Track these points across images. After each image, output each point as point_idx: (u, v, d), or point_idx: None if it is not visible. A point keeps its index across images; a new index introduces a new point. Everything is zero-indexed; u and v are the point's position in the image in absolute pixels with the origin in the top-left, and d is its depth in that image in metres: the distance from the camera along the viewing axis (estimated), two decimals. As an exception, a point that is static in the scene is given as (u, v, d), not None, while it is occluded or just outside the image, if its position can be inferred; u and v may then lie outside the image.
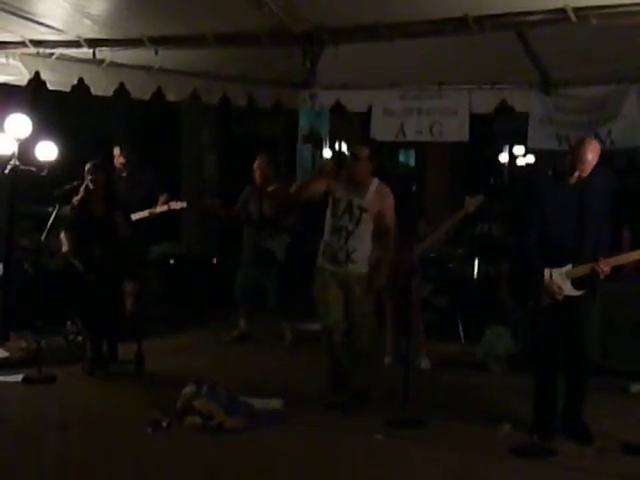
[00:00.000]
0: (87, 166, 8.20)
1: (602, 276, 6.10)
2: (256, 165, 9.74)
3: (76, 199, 8.23)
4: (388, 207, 7.14)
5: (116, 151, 9.99)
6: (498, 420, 6.68)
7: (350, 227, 7.05)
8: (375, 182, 7.16)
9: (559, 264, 6.17)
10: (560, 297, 6.16)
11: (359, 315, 7.08)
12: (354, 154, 7.14)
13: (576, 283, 6.19)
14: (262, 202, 9.66)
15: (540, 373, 6.43)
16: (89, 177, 8.16)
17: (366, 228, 7.07)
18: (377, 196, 7.10)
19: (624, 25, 6.98)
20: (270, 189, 9.64)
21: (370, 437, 6.37)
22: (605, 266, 6.05)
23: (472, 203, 8.32)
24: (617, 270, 6.38)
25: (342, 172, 7.21)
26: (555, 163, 6.28)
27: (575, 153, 6.16)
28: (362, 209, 7.03)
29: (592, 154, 6.11)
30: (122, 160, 9.95)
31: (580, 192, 6.17)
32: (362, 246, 7.07)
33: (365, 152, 7.09)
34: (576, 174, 6.13)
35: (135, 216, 9.12)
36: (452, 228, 8.74)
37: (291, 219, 9.64)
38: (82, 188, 8.20)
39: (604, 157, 6.45)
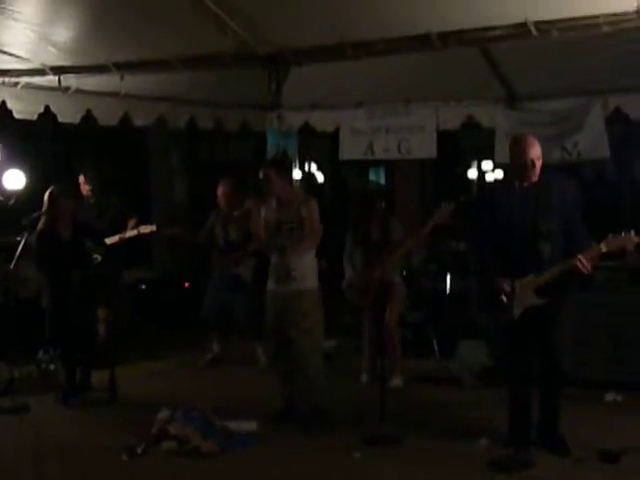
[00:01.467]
0: (49, 192, 8.15)
1: (585, 271, 6.02)
2: (220, 191, 9.75)
3: (41, 226, 8.16)
4: (310, 213, 7.21)
5: (81, 179, 9.94)
6: (474, 434, 6.68)
7: (284, 243, 7.16)
8: (299, 198, 7.38)
9: (521, 274, 6.12)
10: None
11: (301, 332, 7.09)
12: (264, 177, 7.29)
13: (540, 292, 6.16)
14: (227, 227, 9.68)
15: (512, 386, 6.45)
16: (56, 203, 8.11)
17: (302, 245, 7.15)
18: (301, 208, 7.21)
19: (586, 38, 7.05)
20: (235, 214, 9.65)
21: (347, 456, 6.36)
22: (585, 260, 5.98)
23: (442, 212, 8.28)
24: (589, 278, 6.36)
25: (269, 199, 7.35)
26: (506, 170, 6.29)
27: (512, 155, 6.21)
28: (291, 226, 7.16)
29: (526, 149, 6.13)
30: (88, 187, 9.90)
31: (535, 196, 6.16)
32: (301, 263, 7.15)
33: (272, 171, 7.30)
34: (525, 176, 6.15)
35: (106, 241, 9.10)
36: (423, 239, 8.71)
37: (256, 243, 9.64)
38: (46, 214, 8.13)
39: (572, 169, 6.49)
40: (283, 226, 7.19)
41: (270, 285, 7.34)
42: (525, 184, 6.21)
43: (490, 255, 6.31)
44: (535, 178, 6.22)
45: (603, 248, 6.04)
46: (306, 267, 7.19)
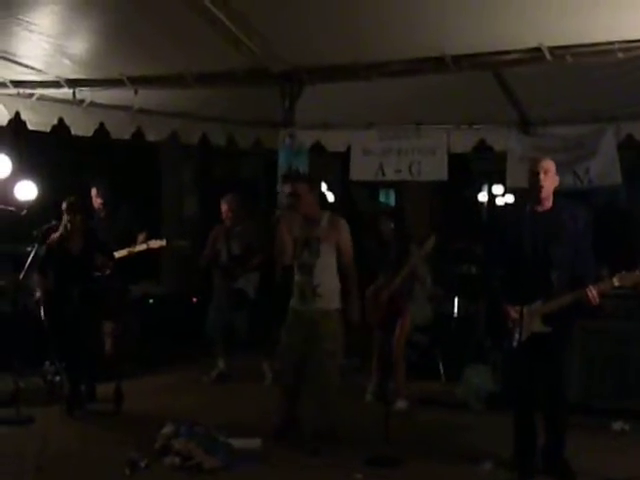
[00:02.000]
0: (64, 204, 8.17)
1: (593, 303, 5.98)
2: (224, 206, 9.79)
3: (53, 238, 8.18)
4: (343, 237, 7.11)
5: (93, 192, 9.96)
6: (478, 459, 6.64)
7: (311, 261, 7.04)
8: (327, 214, 7.20)
9: (529, 300, 6.10)
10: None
11: (325, 354, 6.99)
12: (293, 193, 7.08)
13: (547, 319, 6.13)
14: (230, 242, 9.70)
15: (518, 411, 6.41)
16: (67, 216, 8.13)
17: (328, 260, 7.05)
18: (330, 226, 7.09)
19: (600, 64, 7.07)
20: (238, 228, 9.68)
21: (349, 476, 6.32)
22: (595, 292, 5.94)
23: (426, 248, 8.43)
24: (598, 307, 6.32)
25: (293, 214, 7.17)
26: (521, 195, 6.27)
27: (529, 178, 6.19)
28: (318, 240, 7.02)
29: (544, 170, 6.12)
30: (100, 201, 9.93)
31: (548, 222, 6.15)
32: (326, 279, 7.03)
33: (303, 187, 7.09)
34: (540, 199, 6.14)
35: (115, 255, 9.13)
36: (415, 269, 8.71)
37: (260, 258, 9.64)
38: (60, 227, 8.16)
39: (583, 195, 6.47)
40: (312, 243, 7.05)
41: (294, 303, 7.19)
42: (539, 209, 6.20)
43: (499, 279, 6.29)
44: (549, 204, 6.22)
45: (615, 282, 6.01)
46: (332, 286, 7.08)
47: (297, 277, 7.17)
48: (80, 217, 8.18)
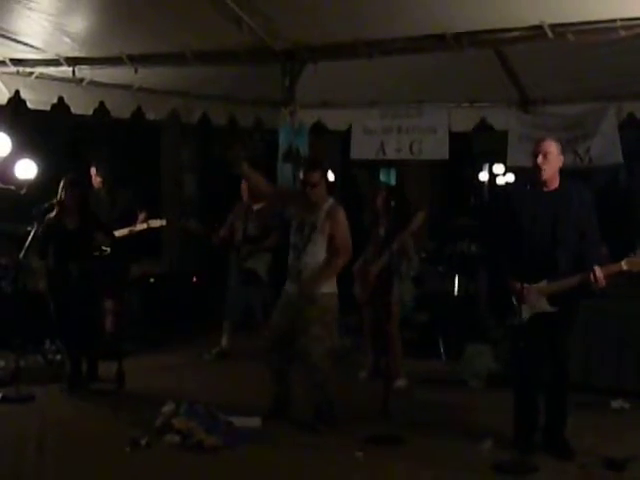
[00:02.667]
0: (62, 181, 8.16)
1: (599, 285, 5.96)
2: (244, 185, 9.69)
3: (50, 215, 8.16)
4: (338, 228, 7.01)
5: (92, 171, 9.95)
6: (479, 437, 6.65)
7: (301, 244, 7.02)
8: (329, 202, 7.11)
9: (535, 279, 6.11)
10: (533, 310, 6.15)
11: (306, 336, 6.95)
12: (310, 182, 6.98)
13: (553, 299, 6.14)
14: (248, 222, 9.65)
15: (520, 389, 6.43)
16: (65, 192, 8.11)
17: (317, 248, 6.98)
18: (328, 216, 7.00)
19: (601, 42, 7.04)
20: (256, 208, 9.65)
21: (350, 454, 6.34)
22: (600, 274, 5.91)
23: (415, 222, 8.47)
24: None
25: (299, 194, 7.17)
26: (517, 174, 6.25)
27: (532, 161, 6.18)
28: (312, 227, 6.98)
29: (543, 153, 6.10)
30: (99, 179, 9.91)
31: (554, 202, 6.14)
32: (313, 265, 6.98)
33: (317, 177, 7.00)
34: (542, 181, 6.13)
35: (115, 234, 9.14)
36: (406, 246, 8.70)
37: (274, 239, 9.61)
38: (56, 203, 8.14)
39: (583, 175, 6.46)
40: (305, 228, 7.02)
41: (286, 284, 7.20)
42: (544, 189, 6.19)
43: (505, 257, 6.29)
44: (555, 184, 6.21)
45: (624, 266, 5.99)
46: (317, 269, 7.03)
47: (289, 255, 7.17)
48: (76, 193, 8.16)
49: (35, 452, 6.33)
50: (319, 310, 6.94)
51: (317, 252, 6.99)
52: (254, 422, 7.00)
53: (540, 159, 6.09)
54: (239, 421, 6.88)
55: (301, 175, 7.14)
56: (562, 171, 6.30)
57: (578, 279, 6.04)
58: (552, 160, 6.13)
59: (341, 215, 7.06)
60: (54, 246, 8.14)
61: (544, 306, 6.15)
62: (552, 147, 6.17)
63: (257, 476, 6.03)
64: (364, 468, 6.15)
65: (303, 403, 7.21)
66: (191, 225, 10.16)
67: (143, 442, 6.45)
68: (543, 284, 6.13)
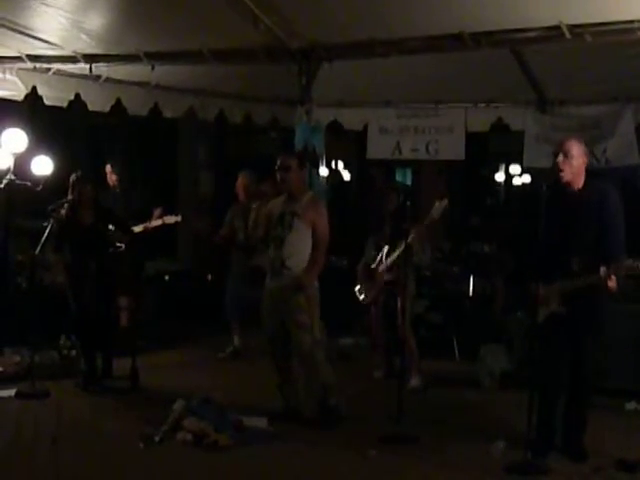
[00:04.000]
0: (72, 179, 8.19)
1: (611, 285, 5.82)
2: (238, 183, 9.73)
3: (62, 213, 8.17)
4: (320, 218, 7.04)
5: (108, 168, 9.99)
6: (492, 437, 6.63)
7: (283, 234, 7.00)
8: (309, 194, 7.22)
9: (551, 280, 6.07)
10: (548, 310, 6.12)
11: (295, 326, 6.95)
12: (283, 166, 7.05)
13: (565, 300, 6.09)
14: (247, 219, 9.63)
15: (537, 391, 6.35)
16: (75, 190, 8.14)
17: (300, 235, 6.97)
18: (310, 205, 7.05)
19: (618, 43, 7.01)
20: (254, 206, 9.65)
21: (364, 453, 6.33)
22: (607, 274, 5.79)
23: (437, 209, 8.24)
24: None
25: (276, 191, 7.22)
26: (553, 178, 6.16)
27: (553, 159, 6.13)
28: (294, 214, 6.98)
29: (564, 153, 6.01)
30: (114, 177, 9.95)
31: (574, 203, 6.09)
32: (297, 253, 6.97)
33: (294, 161, 7.10)
34: (564, 182, 6.06)
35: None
36: (422, 237, 8.64)
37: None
38: (68, 201, 8.16)
39: (599, 175, 6.40)
40: (285, 217, 7.02)
41: (267, 281, 7.17)
42: (568, 190, 6.13)
43: (524, 258, 6.27)
44: (579, 185, 6.15)
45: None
46: (302, 259, 6.99)
47: (270, 252, 7.14)
48: (88, 189, 8.18)
49: (49, 447, 6.34)
50: (305, 298, 6.93)
51: (301, 240, 6.99)
52: (260, 422, 6.99)
53: (560, 158, 6.03)
54: (247, 420, 6.88)
55: (278, 161, 7.13)
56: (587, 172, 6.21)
57: (587, 280, 5.97)
58: (572, 160, 6.04)
59: (322, 206, 7.17)
60: (70, 242, 8.16)
61: (555, 307, 6.13)
62: (574, 147, 6.06)
63: (269, 474, 6.03)
64: (377, 467, 6.16)
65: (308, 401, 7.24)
66: (199, 226, 10.15)
67: (157, 439, 6.47)
68: (556, 285, 6.10)
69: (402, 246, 7.97)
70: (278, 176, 7.10)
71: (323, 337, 7.35)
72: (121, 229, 8.49)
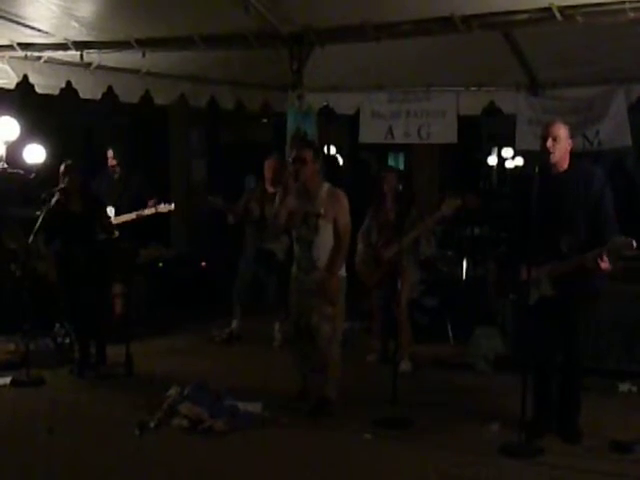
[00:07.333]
0: (61, 167, 8.18)
1: (604, 265, 5.81)
2: (268, 166, 9.54)
3: (54, 201, 8.15)
4: (341, 211, 6.92)
5: (109, 153, 9.98)
6: (486, 419, 6.69)
7: (310, 237, 6.94)
8: (325, 186, 7.00)
9: (541, 262, 6.07)
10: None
11: (318, 314, 6.93)
12: (298, 158, 6.86)
13: (555, 283, 6.11)
14: (265, 202, 9.54)
15: (528, 373, 6.36)
16: (65, 178, 8.12)
17: (326, 236, 6.91)
18: (329, 200, 6.91)
19: (610, 24, 7.00)
20: (272, 191, 9.59)
21: (359, 437, 6.37)
22: (605, 254, 5.78)
23: (449, 206, 8.28)
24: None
25: (292, 182, 6.99)
26: (538, 159, 6.19)
27: (540, 145, 6.16)
28: (317, 216, 6.88)
29: (552, 136, 6.05)
30: (114, 162, 9.94)
31: (561, 185, 6.11)
32: (326, 252, 6.92)
33: (309, 154, 6.89)
34: (551, 164, 6.09)
35: (123, 218, 9.24)
36: (429, 229, 8.68)
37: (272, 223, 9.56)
38: (58, 190, 8.14)
39: (590, 158, 6.42)
40: (310, 219, 6.92)
41: (295, 271, 7.17)
42: (553, 172, 6.16)
43: (515, 240, 6.28)
44: (564, 167, 6.18)
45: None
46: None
47: (296, 250, 7.13)
48: (76, 177, 8.17)
49: (45, 435, 6.35)
50: (331, 291, 6.91)
51: (327, 242, 6.93)
52: (254, 407, 6.99)
53: (550, 142, 6.06)
54: (241, 405, 6.90)
55: (292, 154, 7.00)
56: (571, 154, 6.27)
57: (575, 262, 5.99)
58: (560, 143, 6.10)
59: (342, 196, 6.99)
60: (60, 230, 8.16)
61: (546, 290, 6.15)
62: (561, 130, 6.12)
63: (265, 459, 6.05)
64: (373, 450, 6.18)
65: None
66: (217, 202, 10.05)
67: (152, 425, 6.49)
68: (546, 267, 6.12)
69: (409, 235, 8.20)
70: (292, 169, 6.92)
71: (342, 325, 7.28)
72: (100, 225, 8.42)
